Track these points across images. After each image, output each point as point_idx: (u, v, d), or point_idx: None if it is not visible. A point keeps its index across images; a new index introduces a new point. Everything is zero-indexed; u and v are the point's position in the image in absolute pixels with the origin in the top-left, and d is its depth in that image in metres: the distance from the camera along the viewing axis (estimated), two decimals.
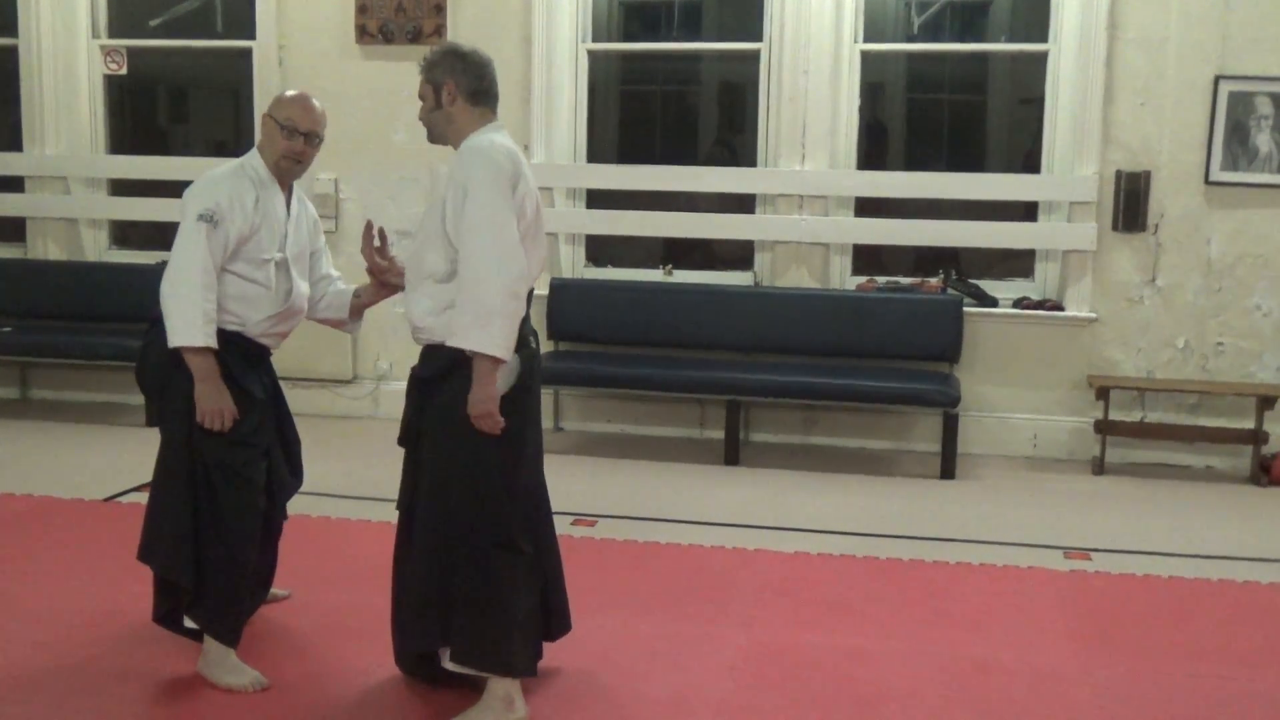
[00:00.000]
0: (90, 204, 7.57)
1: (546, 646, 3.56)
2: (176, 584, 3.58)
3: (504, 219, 3.14)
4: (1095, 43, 6.34)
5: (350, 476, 5.82)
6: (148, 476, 5.79)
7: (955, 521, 5.43)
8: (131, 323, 7.25)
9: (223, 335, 3.53)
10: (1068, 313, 6.55)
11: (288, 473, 3.92)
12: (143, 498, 5.47)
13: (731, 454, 6.44)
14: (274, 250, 3.60)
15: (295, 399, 7.19)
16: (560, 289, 6.85)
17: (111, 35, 7.52)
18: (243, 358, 3.62)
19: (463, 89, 3.34)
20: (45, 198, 7.58)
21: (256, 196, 3.57)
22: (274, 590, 4.05)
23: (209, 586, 3.55)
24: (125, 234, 7.75)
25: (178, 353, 3.48)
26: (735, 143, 7.61)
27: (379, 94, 7.06)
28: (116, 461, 6.17)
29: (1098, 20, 6.33)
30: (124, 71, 7.47)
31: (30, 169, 7.55)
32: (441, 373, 3.27)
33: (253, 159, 3.66)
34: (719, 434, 6.59)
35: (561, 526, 5.10)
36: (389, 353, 7.21)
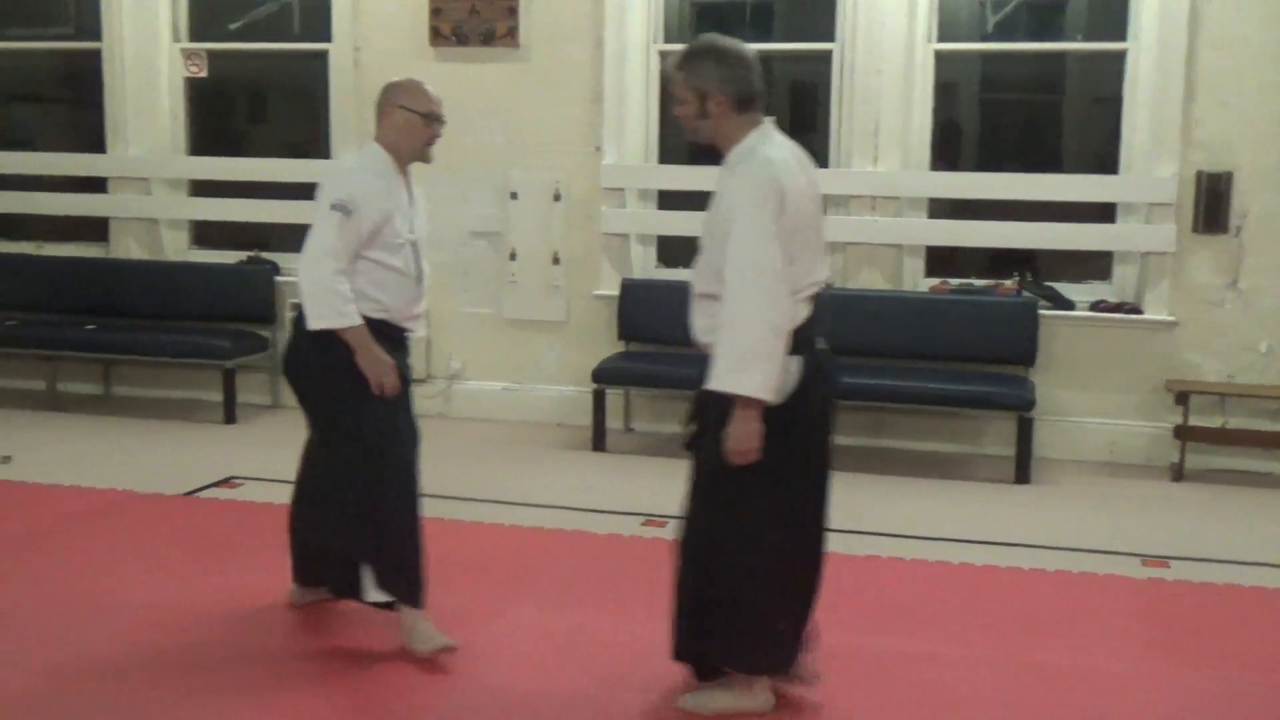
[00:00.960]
0: (171, 204, 7.70)
1: (608, 647, 3.57)
2: (357, 560, 3.75)
3: (767, 253, 3.02)
4: (1175, 41, 6.23)
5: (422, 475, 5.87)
6: (225, 472, 5.97)
7: (1029, 527, 5.37)
8: (210, 321, 7.41)
9: (370, 323, 3.66)
10: (1146, 316, 6.44)
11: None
12: (221, 493, 5.61)
13: None
14: (406, 233, 3.75)
15: None
16: (631, 290, 6.87)
17: (192, 39, 7.65)
18: (389, 342, 3.73)
19: (729, 98, 3.17)
20: (127, 198, 7.72)
21: (387, 186, 3.71)
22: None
23: (392, 558, 3.71)
24: (204, 234, 7.87)
25: (320, 338, 3.62)
26: (807, 143, 7.57)
27: (451, 95, 6.96)
28: (195, 457, 6.28)
29: (1178, 18, 6.21)
30: (204, 74, 7.60)
31: (113, 170, 7.70)
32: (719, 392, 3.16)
33: (373, 151, 3.78)
34: None
35: (632, 527, 5.14)
36: (461, 352, 7.26)
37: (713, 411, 3.19)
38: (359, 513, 3.72)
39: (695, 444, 3.35)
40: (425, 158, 3.85)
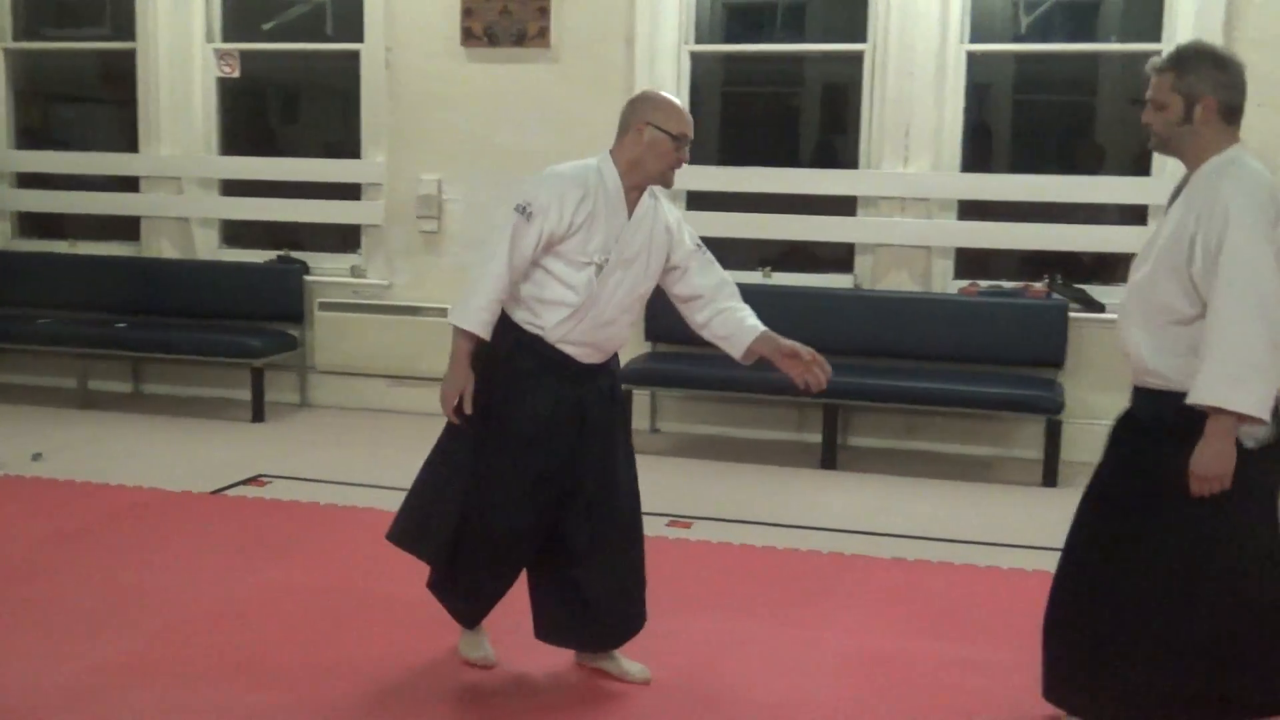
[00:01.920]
0: (203, 204, 7.75)
1: (642, 647, 3.56)
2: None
3: (1265, 264, 2.81)
4: (1211, 41, 6.14)
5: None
6: (254, 470, 6.01)
7: (1058, 530, 5.26)
8: (240, 320, 7.46)
9: (525, 336, 3.48)
10: None
11: (603, 499, 3.60)
12: (250, 491, 5.64)
13: (829, 458, 6.39)
14: (596, 254, 3.43)
15: (399, 398, 7.43)
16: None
17: (225, 39, 7.69)
18: (540, 363, 3.48)
19: (1221, 106, 2.95)
20: (159, 197, 7.77)
21: (583, 196, 3.40)
22: (621, 661, 3.71)
23: (454, 570, 3.64)
24: (236, 233, 7.92)
25: (495, 339, 3.49)
26: (837, 144, 7.55)
27: (483, 96, 7.13)
28: (225, 455, 6.32)
29: (1214, 19, 6.15)
30: (236, 74, 7.64)
31: (146, 169, 7.75)
32: (1177, 424, 2.93)
33: (605, 163, 3.48)
34: (817, 437, 6.54)
35: (657, 528, 5.13)
36: None
37: (1172, 448, 2.94)
38: (442, 520, 3.59)
39: (1130, 486, 3.08)
40: (666, 181, 3.50)
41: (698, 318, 3.64)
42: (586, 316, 3.45)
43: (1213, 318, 2.84)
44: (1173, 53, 3.03)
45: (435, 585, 3.74)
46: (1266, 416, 2.83)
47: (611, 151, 3.50)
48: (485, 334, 3.42)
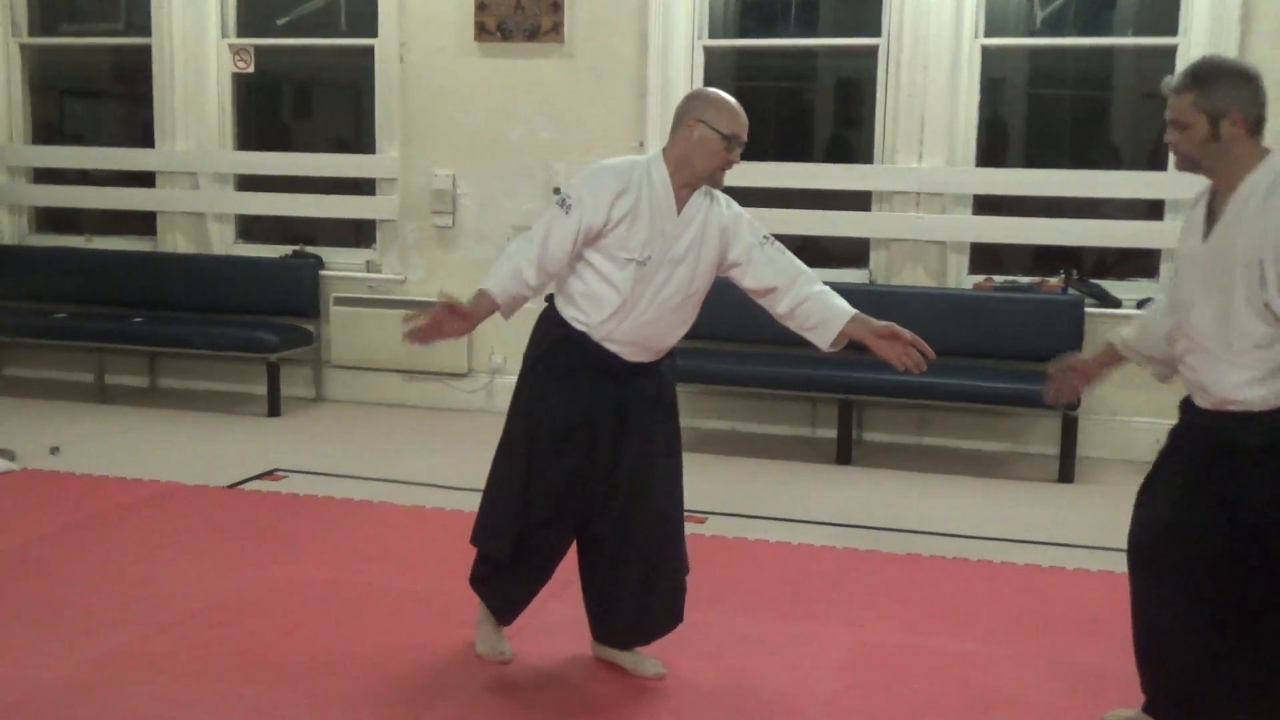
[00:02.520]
0: (217, 199, 7.77)
1: (657, 642, 3.57)
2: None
3: None
4: (1227, 36, 6.14)
5: (461, 469, 5.90)
6: (269, 464, 6.02)
7: (1072, 526, 5.32)
8: (255, 315, 7.48)
9: (571, 332, 3.46)
10: None
11: (636, 501, 3.56)
12: (265, 485, 5.66)
13: (843, 453, 6.39)
14: (637, 251, 3.38)
15: (410, 392, 7.44)
16: None
17: (240, 34, 7.71)
18: (581, 359, 3.47)
19: (1248, 119, 2.90)
20: (175, 192, 7.80)
21: (623, 191, 3.36)
22: (641, 657, 3.71)
23: (486, 558, 3.66)
24: (250, 228, 7.94)
25: (541, 324, 3.54)
26: (851, 139, 7.54)
27: (496, 91, 7.14)
28: (240, 450, 6.34)
29: (1230, 12, 6.13)
30: (251, 70, 7.66)
31: (161, 165, 7.78)
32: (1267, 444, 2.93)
33: (655, 161, 3.44)
34: (831, 433, 6.54)
35: None
36: (503, 347, 7.28)
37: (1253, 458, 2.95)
38: (508, 514, 3.57)
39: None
40: (716, 182, 3.46)
41: (779, 309, 3.57)
42: (630, 314, 3.42)
43: None
44: (1189, 70, 2.97)
45: (479, 580, 3.74)
46: None
47: (664, 149, 3.48)
48: (501, 300, 3.38)
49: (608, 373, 3.48)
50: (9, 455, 5.85)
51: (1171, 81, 2.98)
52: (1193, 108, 2.91)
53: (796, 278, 3.55)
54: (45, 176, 8.17)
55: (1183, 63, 6.33)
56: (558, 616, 3.97)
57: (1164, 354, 3.27)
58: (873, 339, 3.46)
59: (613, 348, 3.46)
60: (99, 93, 9.05)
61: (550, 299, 3.58)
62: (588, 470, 3.50)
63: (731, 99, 3.47)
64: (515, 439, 3.55)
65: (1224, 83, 2.91)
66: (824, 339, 3.52)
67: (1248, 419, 2.94)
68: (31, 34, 8.11)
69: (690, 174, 3.42)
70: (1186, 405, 3.16)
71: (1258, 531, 2.93)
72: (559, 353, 3.49)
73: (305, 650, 3.78)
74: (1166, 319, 3.19)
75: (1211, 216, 3.00)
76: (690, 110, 3.43)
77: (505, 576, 3.66)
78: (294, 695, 3.48)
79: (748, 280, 3.56)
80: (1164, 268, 6.58)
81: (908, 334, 3.44)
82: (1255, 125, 2.91)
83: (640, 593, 3.59)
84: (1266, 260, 2.82)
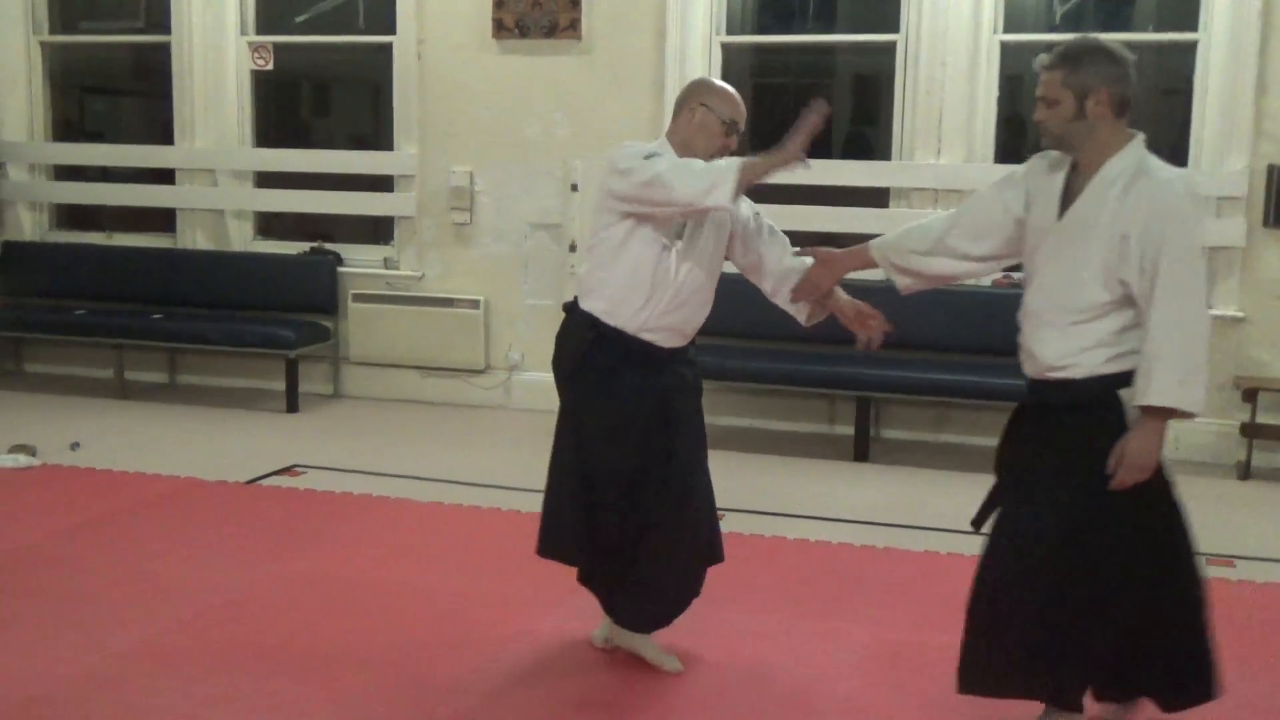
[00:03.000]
0: (236, 196, 7.80)
1: (671, 635, 3.57)
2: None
3: (1202, 270, 2.96)
4: (1247, 32, 6.11)
5: (479, 465, 5.92)
6: (288, 460, 6.05)
7: None
8: (274, 311, 7.51)
9: (606, 329, 3.46)
10: (1214, 311, 6.31)
11: (685, 490, 3.60)
12: (284, 481, 5.68)
13: (861, 450, 6.38)
14: (667, 237, 3.45)
15: (428, 388, 7.46)
16: None
17: (258, 32, 7.73)
18: (620, 356, 3.48)
19: (1114, 99, 2.97)
20: (194, 189, 7.83)
21: None
22: (662, 652, 3.72)
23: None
24: (269, 225, 7.97)
25: (581, 324, 3.51)
26: (869, 135, 7.52)
27: (514, 88, 7.14)
28: (258, 445, 6.36)
29: (1250, 9, 6.10)
30: (270, 67, 7.68)
31: (180, 162, 7.81)
32: (1085, 407, 3.08)
33: (663, 146, 3.52)
34: (849, 430, 6.53)
35: None
36: (521, 344, 7.30)
37: (1080, 434, 3.09)
38: (573, 522, 3.58)
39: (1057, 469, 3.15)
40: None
41: (765, 286, 3.67)
42: (663, 299, 3.45)
43: (1160, 324, 2.89)
44: (1061, 49, 3.02)
45: (581, 581, 3.76)
46: (1201, 411, 2.96)
47: (667, 134, 3.56)
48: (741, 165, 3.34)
49: (649, 364, 3.51)
50: (30, 451, 5.89)
51: (1045, 59, 3.04)
52: (1061, 85, 2.97)
53: (784, 256, 3.70)
54: (66, 173, 8.22)
55: (1203, 59, 6.33)
56: (576, 610, 3.98)
57: (914, 266, 3.49)
58: (813, 289, 3.62)
59: (649, 337, 3.48)
60: (119, 90, 9.10)
61: (571, 306, 3.57)
62: (643, 465, 3.51)
63: (732, 89, 3.59)
64: (566, 446, 3.57)
65: (1093, 62, 2.97)
66: (787, 303, 3.68)
67: (1061, 385, 3.10)
68: (52, 32, 8.15)
69: (692, 156, 3.46)
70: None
71: (1092, 492, 3.03)
72: (598, 354, 3.49)
73: (324, 645, 3.79)
74: (927, 239, 3.40)
75: (1069, 192, 3.05)
76: (693, 95, 3.55)
77: (597, 571, 3.68)
78: (313, 690, 3.50)
79: (738, 255, 3.69)
80: None
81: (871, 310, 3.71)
82: (1121, 106, 2.98)
83: (685, 578, 3.64)
84: (1131, 239, 2.90)
